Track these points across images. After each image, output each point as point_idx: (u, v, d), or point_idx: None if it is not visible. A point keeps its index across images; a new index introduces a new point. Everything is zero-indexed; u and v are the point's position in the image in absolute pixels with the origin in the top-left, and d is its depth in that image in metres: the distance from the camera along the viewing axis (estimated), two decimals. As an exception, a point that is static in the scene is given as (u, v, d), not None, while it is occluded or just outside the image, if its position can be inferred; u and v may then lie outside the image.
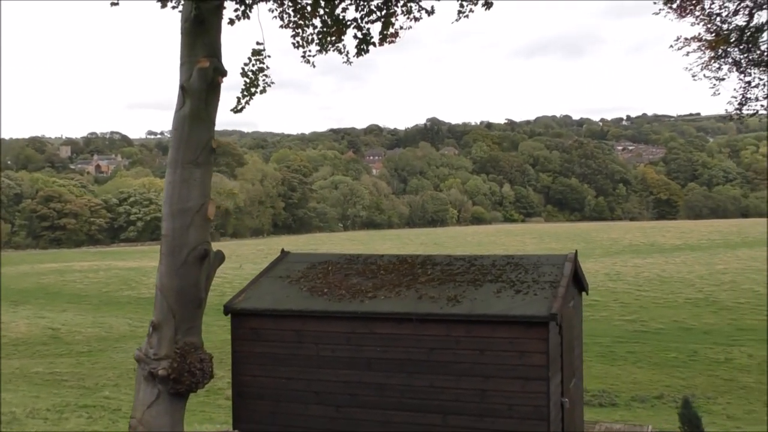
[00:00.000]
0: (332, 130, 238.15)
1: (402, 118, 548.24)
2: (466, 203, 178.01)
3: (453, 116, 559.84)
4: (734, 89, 17.64)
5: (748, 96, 17.57)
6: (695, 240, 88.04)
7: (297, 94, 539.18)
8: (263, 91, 12.35)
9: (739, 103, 17.74)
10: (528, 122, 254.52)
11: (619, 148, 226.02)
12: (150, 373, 8.97)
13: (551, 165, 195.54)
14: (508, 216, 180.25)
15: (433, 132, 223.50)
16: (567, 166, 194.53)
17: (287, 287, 10.37)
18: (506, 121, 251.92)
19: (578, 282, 10.98)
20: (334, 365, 9.61)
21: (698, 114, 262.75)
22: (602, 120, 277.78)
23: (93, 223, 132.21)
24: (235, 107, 12.13)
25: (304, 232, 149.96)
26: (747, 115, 17.87)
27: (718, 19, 17.14)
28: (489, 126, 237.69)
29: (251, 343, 9.99)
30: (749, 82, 17.44)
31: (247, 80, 12.16)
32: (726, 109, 18.03)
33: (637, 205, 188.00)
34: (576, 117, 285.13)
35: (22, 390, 21.15)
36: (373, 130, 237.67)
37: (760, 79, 17.36)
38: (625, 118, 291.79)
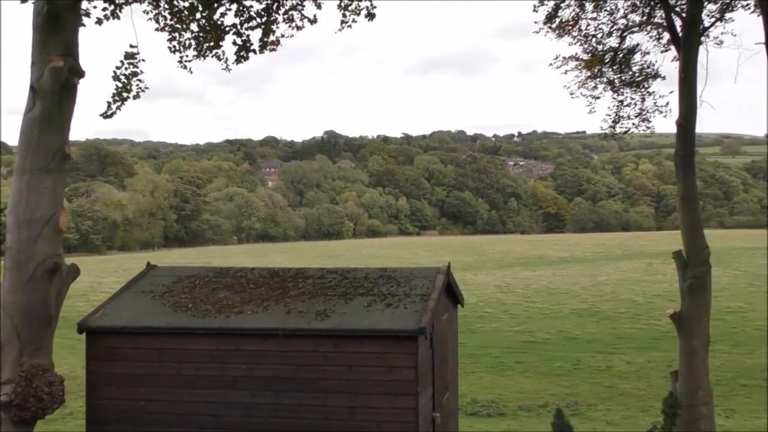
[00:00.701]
0: (228, 141, 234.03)
1: (299, 130, 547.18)
2: (362, 216, 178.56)
3: (350, 129, 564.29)
4: (608, 107, 18.29)
5: (621, 114, 18.25)
6: (580, 252, 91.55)
7: (192, 104, 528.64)
8: (137, 96, 11.87)
9: (612, 121, 18.37)
10: (424, 137, 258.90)
11: (511, 163, 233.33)
12: (-10, 399, 8.26)
13: (446, 179, 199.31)
14: (404, 229, 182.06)
15: (330, 145, 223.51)
16: (461, 180, 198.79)
17: (150, 302, 9.80)
18: (402, 135, 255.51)
19: (452, 294, 10.93)
20: (198, 385, 9.14)
21: (584, 132, 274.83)
22: (495, 136, 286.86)
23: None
24: (105, 112, 11.57)
25: (197, 245, 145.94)
26: (620, 132, 18.53)
27: (594, 40, 17.78)
28: (385, 140, 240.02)
29: (108, 363, 9.37)
30: (622, 101, 18.11)
31: (119, 84, 11.64)
32: (601, 127, 18.64)
33: (528, 219, 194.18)
34: (470, 132, 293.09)
35: None
36: (270, 142, 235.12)
37: (632, 99, 18.07)
38: (516, 134, 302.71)
